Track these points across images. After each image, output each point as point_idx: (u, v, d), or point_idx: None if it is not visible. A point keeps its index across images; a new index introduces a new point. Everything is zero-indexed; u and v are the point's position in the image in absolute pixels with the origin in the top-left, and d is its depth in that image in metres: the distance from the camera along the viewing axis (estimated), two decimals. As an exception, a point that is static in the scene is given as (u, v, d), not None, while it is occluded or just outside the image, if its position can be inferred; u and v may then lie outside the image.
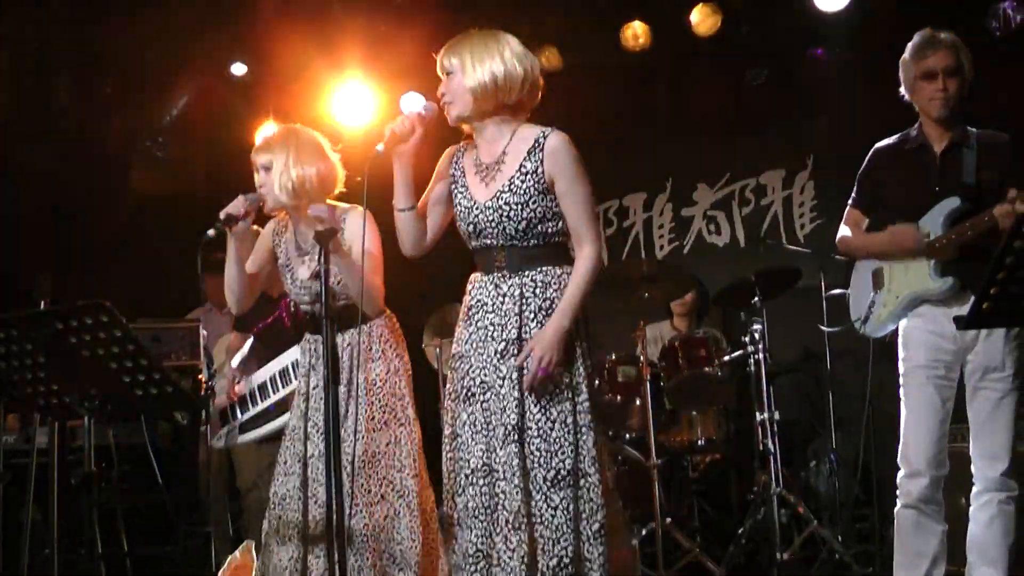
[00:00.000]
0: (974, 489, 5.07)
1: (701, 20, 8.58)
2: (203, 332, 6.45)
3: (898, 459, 5.17)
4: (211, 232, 4.98)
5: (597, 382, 7.77)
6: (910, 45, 5.23)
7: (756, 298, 7.61)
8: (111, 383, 4.06)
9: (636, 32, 8.87)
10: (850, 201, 5.55)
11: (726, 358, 7.81)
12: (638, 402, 7.81)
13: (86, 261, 9.24)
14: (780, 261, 8.18)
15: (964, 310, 4.70)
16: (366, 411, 5.02)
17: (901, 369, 5.23)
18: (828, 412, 7.91)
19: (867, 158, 5.43)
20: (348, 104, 9.51)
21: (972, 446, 5.08)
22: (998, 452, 4.99)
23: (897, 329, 5.29)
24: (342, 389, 5.01)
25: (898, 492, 5.17)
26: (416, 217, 4.52)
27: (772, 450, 7.25)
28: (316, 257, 4.65)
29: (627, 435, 7.93)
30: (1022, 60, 7.86)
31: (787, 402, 8.11)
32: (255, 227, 5.27)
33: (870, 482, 7.26)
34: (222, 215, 5.00)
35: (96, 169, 9.87)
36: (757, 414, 7.38)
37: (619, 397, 7.90)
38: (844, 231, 5.49)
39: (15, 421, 7.53)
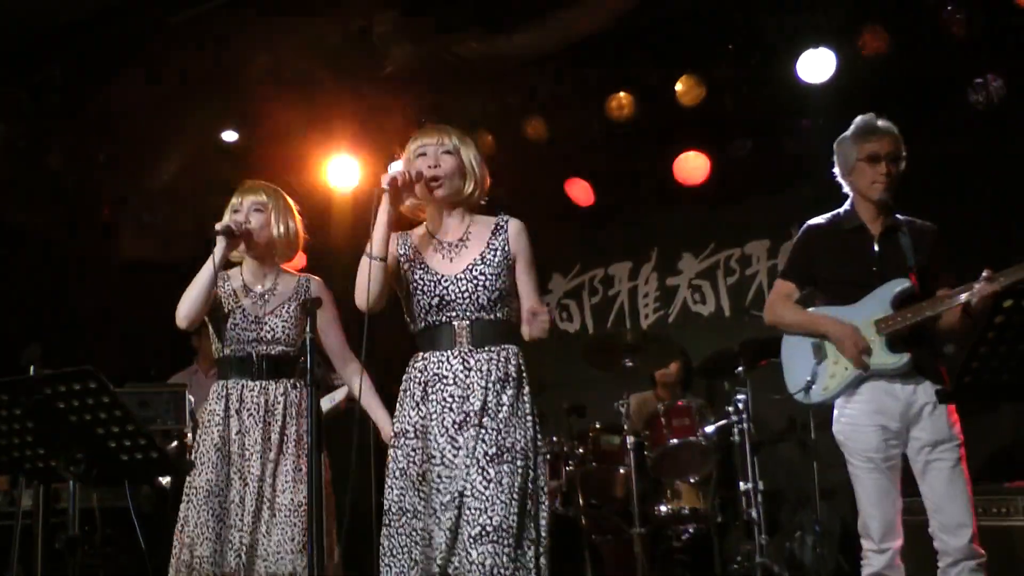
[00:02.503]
0: (942, 563, 5.09)
1: (686, 91, 8.67)
2: (189, 397, 6.48)
3: (859, 527, 5.27)
4: (218, 227, 5.22)
5: (581, 450, 7.82)
6: (853, 128, 5.47)
7: (740, 368, 7.66)
8: (97, 448, 4.08)
9: (621, 102, 8.96)
10: (781, 273, 5.72)
11: (710, 428, 7.83)
12: (622, 471, 7.83)
13: (75, 325, 9.27)
14: (765, 331, 8.19)
15: (909, 386, 5.17)
16: (294, 462, 5.10)
17: (844, 448, 5.34)
18: (813, 482, 7.92)
19: (800, 234, 5.60)
20: (336, 172, 9.61)
21: (933, 521, 5.12)
22: (962, 519, 5.04)
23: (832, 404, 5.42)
24: (275, 437, 5.13)
25: (863, 563, 5.27)
26: (384, 270, 4.55)
27: (756, 520, 7.25)
28: (284, 303, 5.27)
29: (610, 504, 7.93)
30: (1002, 132, 7.98)
31: (772, 472, 8.12)
32: None
33: (854, 553, 7.28)
34: (220, 226, 5.23)
35: (87, 234, 9.92)
36: (741, 484, 7.40)
37: (603, 466, 7.92)
38: (775, 303, 5.62)
39: (5, 483, 7.53)
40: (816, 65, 8.13)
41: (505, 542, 4.21)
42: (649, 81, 8.90)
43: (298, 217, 5.47)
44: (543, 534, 4.37)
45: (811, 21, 8.05)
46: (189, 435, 6.37)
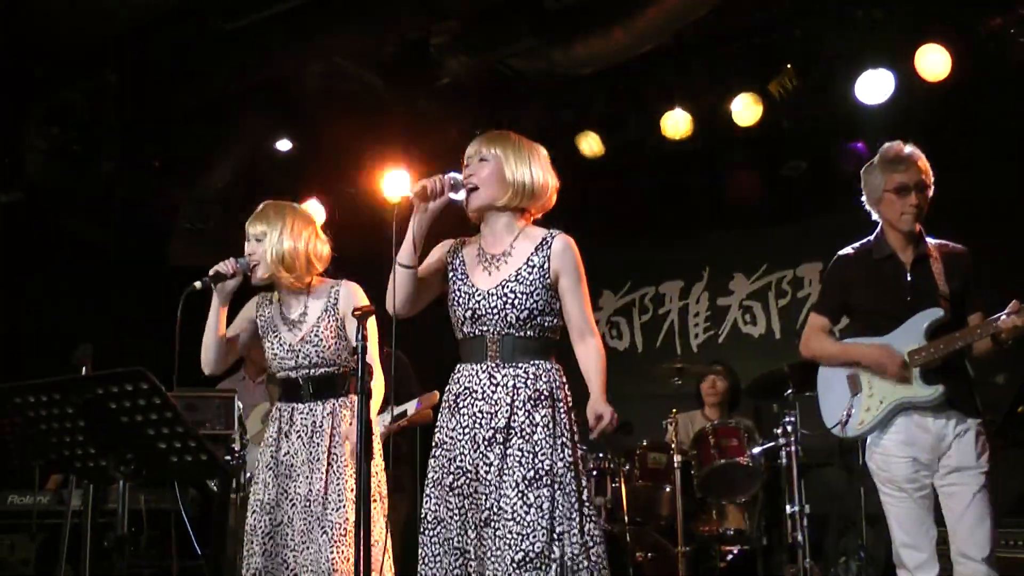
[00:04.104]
0: None
1: (742, 110, 8.62)
2: (239, 403, 6.49)
3: (894, 557, 5.22)
4: (197, 284, 5.18)
5: (627, 467, 7.78)
6: (879, 157, 5.39)
7: (789, 390, 7.60)
8: (147, 449, 4.09)
9: (677, 121, 8.93)
10: (814, 307, 5.68)
11: (758, 449, 7.78)
12: (668, 489, 7.79)
13: (126, 329, 9.32)
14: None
15: (941, 419, 5.11)
16: (346, 482, 5.10)
17: (877, 478, 5.30)
18: (859, 507, 7.85)
19: (831, 265, 5.56)
20: (389, 182, 9.62)
21: (953, 543, 5.08)
22: (981, 546, 5.00)
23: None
24: (322, 457, 5.14)
25: None
26: (414, 277, 4.55)
27: (801, 543, 7.19)
28: (314, 326, 5.25)
29: (655, 522, 7.89)
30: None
31: (818, 496, 8.04)
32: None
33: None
34: (211, 272, 5.20)
35: (139, 239, 9.98)
36: (787, 506, 7.33)
37: (649, 484, 7.88)
38: (810, 337, 5.55)
39: (56, 482, 7.59)
40: (874, 86, 8.06)
41: (545, 569, 4.21)
42: (705, 99, 8.86)
43: (312, 233, 5.35)
44: (594, 558, 4.33)
45: (871, 42, 8.00)
46: (237, 440, 6.39)
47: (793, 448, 7.37)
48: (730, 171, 9.39)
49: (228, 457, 6.31)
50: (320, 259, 5.39)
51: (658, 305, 10.33)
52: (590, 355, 4.56)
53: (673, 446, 7.64)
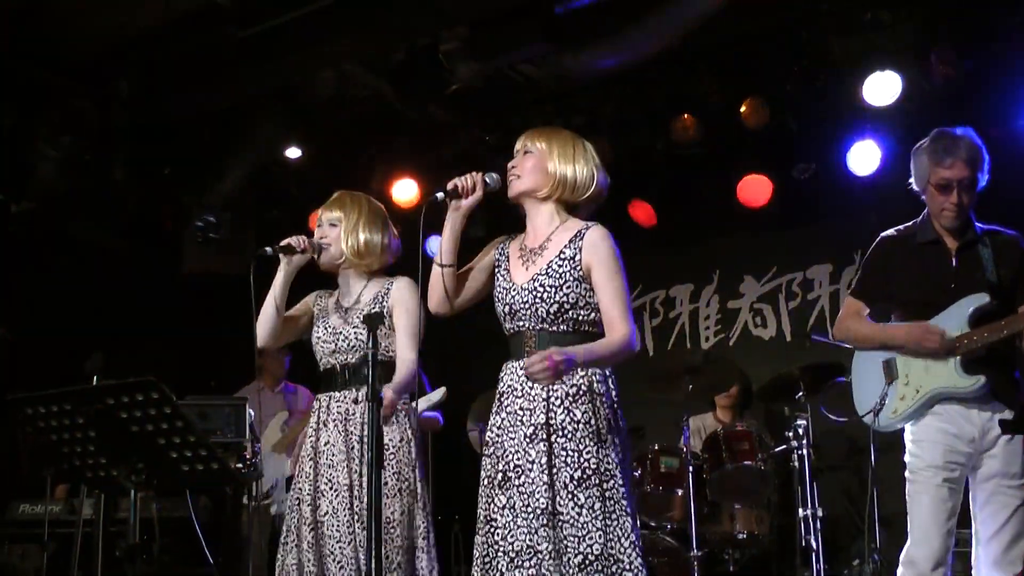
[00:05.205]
0: None
1: (750, 113, 8.62)
2: (250, 411, 6.51)
3: (902, 556, 5.06)
4: (268, 249, 5.23)
5: (639, 471, 7.77)
6: (929, 143, 5.16)
7: (801, 392, 7.59)
8: (158, 458, 4.11)
9: (686, 124, 8.93)
10: (852, 289, 5.45)
11: (770, 452, 7.77)
12: (679, 493, 7.77)
13: (137, 337, 9.34)
14: (826, 356, 8.12)
15: (986, 412, 4.90)
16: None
17: (910, 466, 5.08)
18: (873, 509, 7.83)
19: (874, 247, 5.34)
20: (400, 188, 9.63)
21: (984, 551, 4.93)
22: (1015, 560, 4.85)
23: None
24: (357, 446, 5.15)
25: None
26: (452, 276, 4.58)
27: (814, 547, 7.18)
28: (358, 314, 5.22)
29: (667, 526, 7.88)
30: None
31: (831, 498, 8.04)
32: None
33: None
34: (282, 243, 5.25)
35: (150, 247, 10.01)
36: (800, 510, 7.32)
37: (661, 487, 7.86)
38: (845, 319, 5.35)
39: (63, 492, 7.61)
40: (882, 88, 8.05)
41: (607, 571, 4.18)
42: (714, 103, 8.86)
43: (384, 224, 5.44)
44: (629, 559, 4.26)
45: (878, 43, 7.98)
46: (248, 448, 6.41)
47: (805, 451, 7.37)
48: (739, 174, 9.37)
49: (240, 465, 6.34)
50: (389, 251, 5.47)
51: (668, 308, 10.32)
52: (609, 336, 4.37)
53: (685, 450, 7.63)
